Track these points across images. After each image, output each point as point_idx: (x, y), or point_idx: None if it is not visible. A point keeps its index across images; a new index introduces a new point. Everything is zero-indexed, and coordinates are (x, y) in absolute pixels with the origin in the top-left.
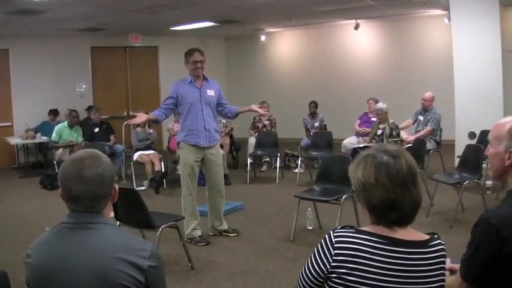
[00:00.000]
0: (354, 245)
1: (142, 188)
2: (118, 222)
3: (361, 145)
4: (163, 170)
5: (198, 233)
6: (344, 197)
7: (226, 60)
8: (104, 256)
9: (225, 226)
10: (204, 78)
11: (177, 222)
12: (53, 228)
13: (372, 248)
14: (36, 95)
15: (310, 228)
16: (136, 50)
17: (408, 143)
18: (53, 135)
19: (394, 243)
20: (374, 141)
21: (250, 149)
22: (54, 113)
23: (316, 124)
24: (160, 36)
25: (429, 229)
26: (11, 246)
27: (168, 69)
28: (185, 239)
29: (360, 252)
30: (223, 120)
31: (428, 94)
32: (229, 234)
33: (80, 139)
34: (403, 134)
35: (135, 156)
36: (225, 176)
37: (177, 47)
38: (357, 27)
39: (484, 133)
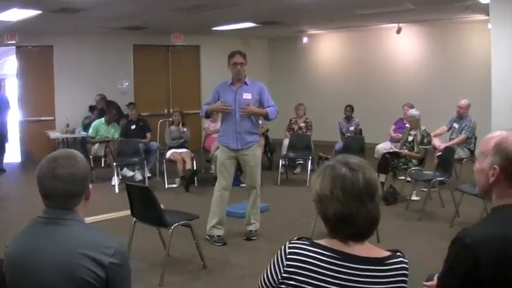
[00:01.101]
0: (306, 257)
1: (174, 185)
2: (134, 218)
3: (390, 150)
4: (194, 169)
5: (217, 232)
6: None
7: (269, 61)
8: (69, 251)
9: (251, 228)
10: (244, 81)
11: (190, 221)
12: (29, 221)
13: (323, 262)
14: (79, 91)
15: None
16: (178, 48)
17: (440, 151)
18: (90, 130)
19: (347, 259)
20: (405, 147)
21: (284, 151)
22: (95, 108)
23: (352, 128)
24: (202, 35)
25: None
26: None
27: (209, 69)
28: (206, 236)
29: (311, 266)
30: (260, 121)
31: (463, 102)
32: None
33: (117, 135)
34: (436, 142)
35: (168, 154)
36: None
37: (219, 47)
38: (399, 31)
39: None
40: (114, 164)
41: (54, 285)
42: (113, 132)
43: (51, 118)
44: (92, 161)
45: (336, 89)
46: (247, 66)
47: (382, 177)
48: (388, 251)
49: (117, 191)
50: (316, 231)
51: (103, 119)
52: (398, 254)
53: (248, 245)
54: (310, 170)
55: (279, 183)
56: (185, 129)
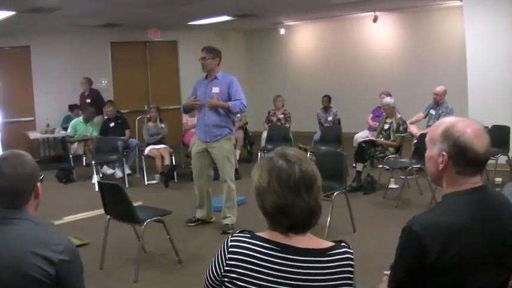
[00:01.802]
0: (247, 250)
1: (154, 181)
2: (108, 216)
3: (366, 139)
4: (173, 164)
5: (196, 213)
6: (336, 194)
7: (245, 53)
8: (19, 250)
9: (226, 221)
10: (215, 76)
11: (163, 216)
12: None
13: (262, 254)
14: (57, 90)
15: None
16: (156, 44)
17: (417, 138)
18: (68, 129)
19: (286, 250)
20: (381, 135)
21: (263, 143)
22: (74, 107)
23: (330, 118)
24: (180, 30)
25: None
26: None
27: (188, 64)
28: None
29: (251, 258)
30: (238, 114)
31: (439, 88)
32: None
33: (95, 133)
34: (413, 129)
35: (146, 150)
36: (235, 170)
37: (197, 41)
38: (375, 19)
39: (497, 128)
40: (93, 162)
41: (7, 284)
42: (92, 131)
43: (32, 119)
44: (72, 160)
45: (314, 80)
46: (217, 60)
47: (359, 167)
48: (333, 241)
49: (96, 189)
50: None
51: (81, 117)
52: (342, 244)
53: (222, 238)
54: None
55: None
56: (162, 125)
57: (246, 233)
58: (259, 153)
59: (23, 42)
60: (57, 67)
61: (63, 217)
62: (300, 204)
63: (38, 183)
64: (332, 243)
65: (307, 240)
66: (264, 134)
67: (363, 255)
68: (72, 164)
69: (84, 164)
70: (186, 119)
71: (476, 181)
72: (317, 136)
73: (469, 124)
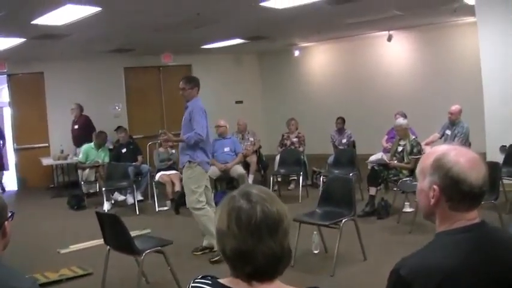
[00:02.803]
0: None
1: (165, 208)
2: (108, 246)
3: (380, 162)
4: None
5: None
6: (344, 221)
7: (260, 75)
8: None
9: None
10: (187, 105)
11: (163, 247)
12: None
13: None
14: (71, 115)
15: (316, 252)
16: (169, 68)
17: None
18: (80, 155)
19: None
20: (394, 158)
21: (277, 167)
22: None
23: (344, 140)
24: (193, 54)
25: None
26: (15, 266)
27: (202, 87)
28: None
29: None
30: (251, 138)
31: (454, 107)
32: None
33: (107, 159)
34: (428, 150)
35: (157, 176)
36: None
37: (211, 65)
38: (389, 38)
39: None
40: (103, 189)
41: None
42: (103, 156)
43: (46, 145)
44: (83, 187)
45: (328, 101)
46: (195, 90)
47: (373, 190)
48: None
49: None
50: (299, 250)
51: (92, 143)
52: None
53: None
54: (303, 185)
55: None
56: (173, 151)
57: (207, 279)
58: (271, 178)
59: (37, 69)
60: (71, 93)
61: (69, 246)
62: (263, 250)
63: (6, 222)
64: None
65: None
66: (278, 158)
67: (373, 285)
68: (84, 191)
69: (97, 190)
70: None
71: (472, 217)
72: (331, 159)
73: (463, 153)
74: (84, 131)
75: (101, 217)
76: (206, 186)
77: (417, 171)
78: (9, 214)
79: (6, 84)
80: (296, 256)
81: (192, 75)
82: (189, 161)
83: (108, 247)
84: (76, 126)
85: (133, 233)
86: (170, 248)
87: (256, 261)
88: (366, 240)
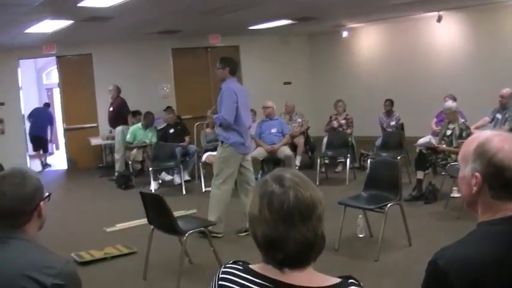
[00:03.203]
0: (235, 285)
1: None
2: (151, 226)
3: (425, 146)
4: None
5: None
6: (389, 205)
7: (309, 57)
8: (10, 272)
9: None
10: (221, 87)
11: (206, 228)
12: None
13: None
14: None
15: (361, 236)
16: (217, 50)
17: None
18: (128, 136)
19: None
20: (443, 142)
21: (324, 149)
22: (137, 114)
23: (392, 123)
24: (241, 35)
25: None
26: (62, 244)
27: (250, 68)
28: None
29: None
30: (299, 119)
31: (505, 90)
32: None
33: (154, 139)
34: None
35: (204, 156)
36: None
37: (258, 46)
38: (439, 19)
39: None
40: (150, 169)
41: None
42: (151, 137)
43: (95, 125)
44: (130, 167)
45: (377, 83)
46: (227, 70)
47: (420, 174)
48: (339, 277)
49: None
50: (344, 234)
51: (140, 124)
52: (350, 281)
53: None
54: (350, 168)
55: (317, 183)
56: None
57: (239, 265)
58: (318, 160)
59: (85, 51)
60: (119, 74)
61: (116, 224)
62: (295, 236)
63: (42, 203)
64: (337, 280)
65: (306, 277)
66: (325, 140)
67: (417, 272)
68: (131, 170)
69: (145, 170)
70: None
71: None
72: (379, 142)
73: (507, 139)
74: (118, 114)
75: (145, 197)
76: (244, 167)
77: (459, 157)
78: (46, 195)
79: (56, 66)
80: (341, 240)
81: (228, 56)
82: (222, 142)
83: (152, 227)
84: (111, 109)
85: (178, 213)
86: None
87: (288, 248)
88: (412, 225)
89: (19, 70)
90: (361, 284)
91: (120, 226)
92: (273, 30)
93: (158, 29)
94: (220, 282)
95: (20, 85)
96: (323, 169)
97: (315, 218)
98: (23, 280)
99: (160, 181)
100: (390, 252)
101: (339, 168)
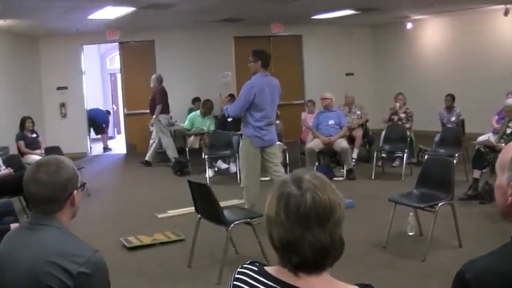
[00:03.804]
0: (248, 286)
1: (267, 178)
2: (198, 215)
3: (483, 144)
4: (286, 162)
5: None
6: (440, 205)
7: (372, 49)
8: (38, 258)
9: None
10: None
11: (253, 219)
12: (21, 223)
13: None
14: (181, 83)
15: (410, 234)
16: (279, 39)
17: None
18: (186, 122)
19: None
20: (502, 140)
21: (382, 143)
22: (197, 101)
23: (453, 119)
24: (304, 25)
25: None
26: (113, 227)
27: (312, 59)
28: None
29: None
30: (358, 112)
31: None
32: None
33: (212, 127)
34: None
35: None
36: (350, 170)
37: (322, 36)
38: (506, 13)
39: None
40: (206, 156)
41: None
42: (209, 124)
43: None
44: (188, 153)
45: (439, 77)
46: (258, 63)
47: (477, 173)
48: (356, 285)
49: (208, 184)
50: (393, 232)
51: (198, 111)
52: None
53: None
54: (407, 163)
55: (373, 177)
56: (277, 122)
57: (255, 266)
58: (375, 154)
59: (148, 37)
60: (180, 61)
61: (167, 211)
62: (311, 240)
63: (75, 191)
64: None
65: (322, 283)
66: (383, 134)
67: None
68: (188, 157)
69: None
70: (305, 116)
71: None
72: (438, 137)
73: None
74: (154, 103)
75: (192, 186)
76: (267, 159)
77: (496, 165)
78: (80, 184)
79: (118, 52)
80: (389, 237)
81: (261, 48)
82: (241, 135)
83: (199, 215)
84: (150, 97)
85: (231, 203)
86: (263, 219)
87: (303, 252)
88: (463, 226)
89: (82, 55)
90: None
91: (171, 213)
92: (336, 20)
93: (221, 17)
94: (234, 283)
95: (83, 70)
96: (380, 163)
97: (332, 222)
98: (50, 266)
99: (216, 169)
100: (439, 252)
101: (396, 162)
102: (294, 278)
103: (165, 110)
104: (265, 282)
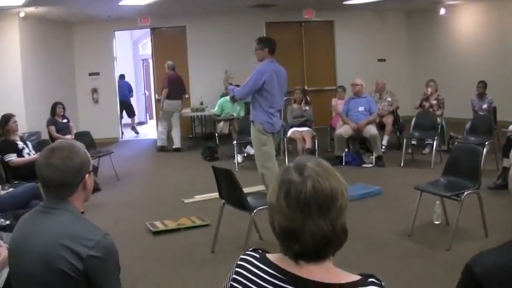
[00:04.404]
0: (249, 273)
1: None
2: (223, 200)
3: None
4: (314, 149)
5: None
6: (466, 193)
7: (406, 34)
8: (50, 240)
9: None
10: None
11: None
12: (35, 207)
13: (265, 282)
14: (212, 69)
15: (437, 222)
16: (311, 24)
17: None
18: (215, 108)
19: (293, 282)
20: None
21: (412, 130)
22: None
23: (485, 106)
24: (336, 10)
25: None
26: (141, 214)
27: (344, 44)
28: None
29: (251, 284)
30: (389, 98)
31: None
32: None
33: (242, 113)
34: None
35: (289, 132)
36: (379, 157)
37: (354, 22)
38: None
39: None
40: (234, 142)
41: (35, 272)
42: (239, 110)
43: (186, 96)
44: (217, 139)
45: (472, 63)
46: (265, 50)
47: (506, 162)
48: (359, 275)
49: (236, 169)
50: (419, 220)
51: (228, 97)
52: (370, 280)
53: None
54: (437, 150)
55: (402, 164)
56: (307, 108)
57: (257, 253)
58: (405, 141)
59: (179, 23)
60: (212, 46)
61: (194, 196)
62: (311, 228)
63: (87, 176)
64: (356, 278)
65: (322, 272)
66: (413, 121)
67: None
68: (217, 143)
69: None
70: (336, 102)
71: None
72: (468, 125)
73: None
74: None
75: (216, 172)
76: None
77: None
78: (91, 168)
79: (150, 38)
80: (415, 225)
81: (265, 36)
82: (252, 121)
83: (223, 201)
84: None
85: (257, 188)
86: None
87: (304, 240)
88: (491, 216)
89: (114, 41)
90: (383, 284)
91: (198, 198)
92: (369, 5)
93: (253, 2)
94: (236, 269)
95: (114, 56)
96: (409, 150)
97: (334, 210)
98: (61, 249)
99: (245, 154)
100: (464, 242)
101: (426, 150)
102: (294, 266)
103: (170, 96)
104: (266, 270)
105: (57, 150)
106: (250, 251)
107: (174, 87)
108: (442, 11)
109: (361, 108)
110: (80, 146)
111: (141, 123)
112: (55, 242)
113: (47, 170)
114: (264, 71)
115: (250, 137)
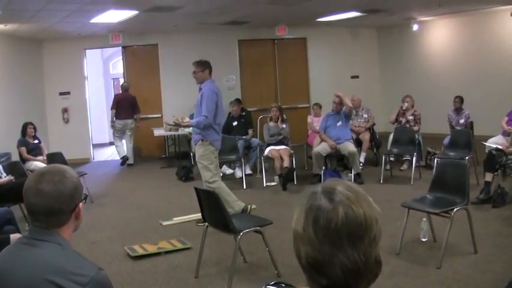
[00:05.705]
0: None
1: (273, 183)
2: (206, 223)
3: (498, 147)
4: (292, 167)
5: None
6: (455, 210)
7: (378, 50)
8: (35, 276)
9: None
10: (200, 87)
11: (262, 227)
12: (19, 237)
13: None
14: (185, 87)
15: (424, 240)
16: (284, 41)
17: None
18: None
19: None
20: None
21: (389, 146)
22: None
23: (462, 121)
24: (309, 27)
25: None
26: (118, 237)
27: (317, 61)
28: None
29: None
30: (365, 115)
31: None
32: None
33: None
34: None
35: (266, 151)
36: (358, 174)
37: (327, 38)
38: None
39: None
40: None
41: None
42: None
43: (159, 115)
44: (192, 158)
45: (447, 78)
46: (206, 72)
47: (489, 176)
48: None
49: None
50: (406, 238)
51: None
52: None
53: None
54: (416, 166)
55: (381, 181)
56: (284, 126)
57: (281, 287)
58: (383, 157)
59: (151, 41)
60: (184, 65)
61: (173, 217)
62: (342, 260)
63: (80, 204)
64: None
65: None
66: (391, 137)
67: (482, 281)
68: (192, 163)
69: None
70: (311, 119)
71: None
72: (447, 140)
73: None
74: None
75: (199, 193)
76: None
77: None
78: (83, 196)
79: (121, 56)
80: (403, 243)
81: (202, 59)
82: (201, 139)
83: (206, 224)
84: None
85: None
86: (273, 225)
87: (334, 274)
88: (478, 231)
89: (85, 60)
90: None
91: (176, 220)
92: (341, 22)
93: (225, 19)
94: None
95: (85, 75)
96: (388, 167)
97: (367, 240)
98: (47, 285)
99: (221, 174)
100: (454, 259)
101: (404, 166)
102: None
103: (119, 116)
104: None
105: (48, 175)
106: (272, 284)
107: (122, 107)
108: (415, 27)
109: (339, 124)
110: (71, 171)
111: (112, 144)
112: (39, 278)
113: (36, 196)
114: (214, 90)
115: (229, 157)
